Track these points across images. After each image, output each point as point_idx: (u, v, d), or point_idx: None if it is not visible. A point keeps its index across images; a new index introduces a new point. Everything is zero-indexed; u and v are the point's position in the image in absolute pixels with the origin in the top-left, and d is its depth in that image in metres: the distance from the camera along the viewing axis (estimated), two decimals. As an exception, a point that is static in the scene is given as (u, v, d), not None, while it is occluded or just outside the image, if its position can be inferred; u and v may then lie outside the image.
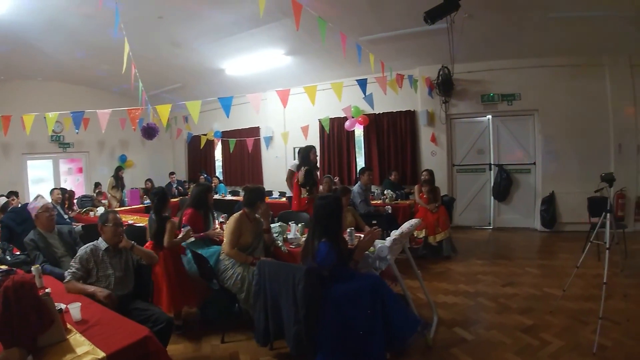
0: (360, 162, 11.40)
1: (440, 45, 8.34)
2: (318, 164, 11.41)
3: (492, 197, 10.23)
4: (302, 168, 6.78)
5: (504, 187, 9.96)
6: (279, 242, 5.01)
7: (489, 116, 10.19)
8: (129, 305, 3.56)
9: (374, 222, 7.19)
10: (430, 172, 7.94)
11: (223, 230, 5.14)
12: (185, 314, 5.05)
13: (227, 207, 8.77)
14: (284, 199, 9.83)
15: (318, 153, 11.41)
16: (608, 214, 4.45)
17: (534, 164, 9.97)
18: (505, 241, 9.05)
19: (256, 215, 4.85)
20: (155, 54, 9.20)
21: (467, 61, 9.60)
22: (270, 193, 10.51)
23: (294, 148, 11.44)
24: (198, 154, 14.51)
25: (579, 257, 4.87)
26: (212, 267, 4.56)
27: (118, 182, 11.58)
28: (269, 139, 12.09)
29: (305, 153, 6.93)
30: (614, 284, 5.49)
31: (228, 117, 6.61)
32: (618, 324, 4.55)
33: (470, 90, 10.04)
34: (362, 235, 4.44)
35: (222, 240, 4.74)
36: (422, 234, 7.38)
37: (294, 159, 9.08)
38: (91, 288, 3.38)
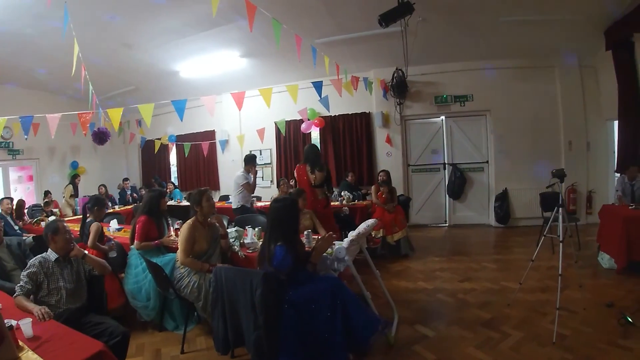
0: None
1: (394, 48, 8.44)
2: (274, 167, 11.49)
3: (447, 196, 10.45)
4: (317, 168, 6.51)
5: (459, 186, 10.20)
6: (235, 247, 4.91)
7: (443, 117, 10.44)
8: (82, 318, 3.44)
9: (333, 223, 7.29)
10: (387, 173, 8.06)
11: (178, 237, 4.99)
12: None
13: (183, 213, 8.50)
14: None
15: (274, 156, 11.41)
16: (560, 209, 4.58)
17: (487, 162, 10.29)
18: (461, 238, 9.24)
19: (209, 220, 4.75)
20: (106, 56, 8.92)
21: (421, 63, 9.80)
22: (227, 198, 10.35)
23: (250, 151, 11.35)
24: (152, 159, 14.10)
25: (533, 250, 5.01)
26: (167, 276, 4.43)
27: (75, 190, 11.23)
28: (224, 143, 11.97)
29: (317, 152, 6.85)
30: (569, 275, 5.69)
31: (182, 120, 6.46)
32: (575, 313, 4.72)
33: (424, 92, 10.25)
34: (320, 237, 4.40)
35: (177, 248, 4.61)
36: (380, 234, 7.43)
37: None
38: (31, 306, 3.18)
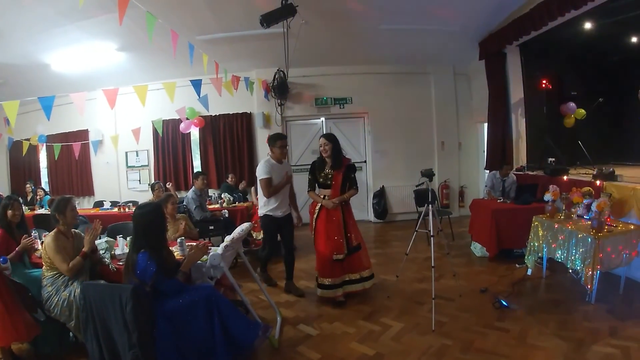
0: (198, 166, 11.11)
1: (277, 48, 8.44)
2: (152, 170, 10.91)
3: (327, 194, 10.60)
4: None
5: (338, 184, 10.40)
6: (106, 259, 4.49)
7: (323, 118, 10.75)
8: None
9: (211, 227, 7.10)
10: None
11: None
12: (17, 351, 4.30)
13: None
14: (115, 209, 8.84)
15: (152, 157, 10.89)
16: (430, 205, 4.86)
17: (365, 162, 10.80)
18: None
19: (73, 230, 4.38)
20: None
21: (303, 65, 9.94)
22: (100, 204, 9.71)
23: (126, 153, 10.86)
24: (21, 161, 12.44)
25: (410, 244, 5.27)
26: (34, 296, 4.03)
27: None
28: (97, 143, 11.22)
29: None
30: (444, 264, 6.09)
31: (49, 119, 5.85)
32: (452, 301, 5.11)
33: (305, 94, 10.45)
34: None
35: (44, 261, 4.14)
36: (262, 236, 7.30)
37: (127, 165, 8.60)
38: None
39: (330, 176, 5.27)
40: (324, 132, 9.99)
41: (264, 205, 5.70)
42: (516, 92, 9.09)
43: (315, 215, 5.36)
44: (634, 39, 8.22)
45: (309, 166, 5.52)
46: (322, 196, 5.31)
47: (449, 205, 10.72)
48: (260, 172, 5.56)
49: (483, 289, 5.38)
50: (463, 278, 5.96)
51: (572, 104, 9.04)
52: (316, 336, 4.44)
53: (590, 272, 4.70)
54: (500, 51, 9.09)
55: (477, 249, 7.18)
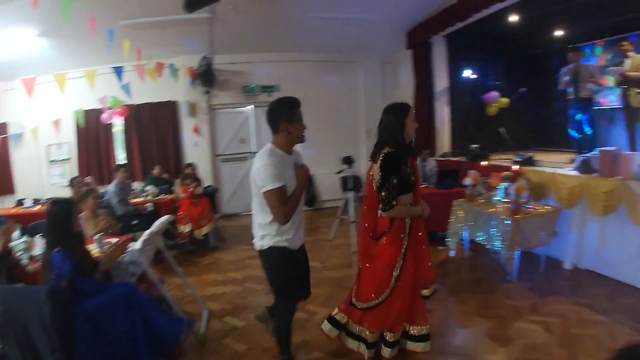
0: (123, 158, 10.50)
1: (204, 34, 8.30)
2: (75, 163, 10.19)
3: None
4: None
5: (266, 173, 10.32)
6: (24, 260, 4.23)
7: (251, 106, 10.57)
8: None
9: (134, 222, 6.83)
10: (192, 166, 8.09)
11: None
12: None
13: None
14: (37, 207, 8.13)
15: (74, 150, 10.30)
16: (350, 192, 4.91)
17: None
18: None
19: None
20: None
21: (230, 52, 9.73)
22: (20, 202, 9.01)
23: (48, 146, 10.31)
24: None
25: (336, 231, 5.30)
26: None
27: None
28: (17, 137, 10.47)
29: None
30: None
31: None
32: None
33: (232, 81, 10.22)
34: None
35: None
36: (188, 228, 7.22)
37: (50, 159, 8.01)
38: None
39: (412, 169, 3.46)
40: (252, 121, 9.91)
41: (275, 233, 3.23)
42: (441, 81, 9.42)
43: (404, 246, 3.38)
44: (556, 32, 8.74)
45: (383, 162, 3.26)
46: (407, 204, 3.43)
47: (376, 192, 10.86)
48: (267, 177, 3.02)
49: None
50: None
51: (495, 93, 9.40)
52: (243, 327, 4.43)
53: (509, 253, 4.96)
54: (427, 41, 9.36)
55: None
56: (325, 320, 3.70)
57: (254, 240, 3.32)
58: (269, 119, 3.23)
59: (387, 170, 3.21)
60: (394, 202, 3.20)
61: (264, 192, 3.04)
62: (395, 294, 3.33)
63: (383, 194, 3.20)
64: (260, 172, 3.04)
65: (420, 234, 3.48)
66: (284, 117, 3.17)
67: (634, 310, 4.33)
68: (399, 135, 3.33)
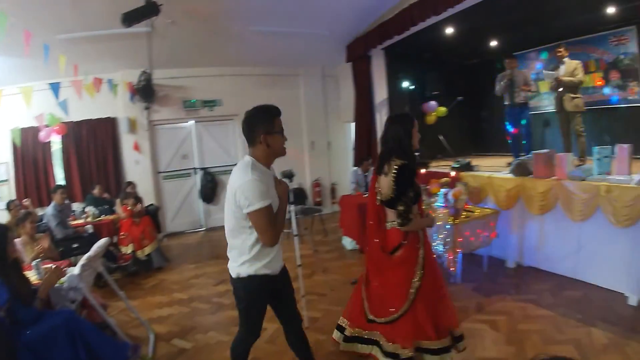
0: (61, 178, 9.95)
1: (143, 49, 8.15)
2: (12, 185, 9.65)
3: (200, 200, 10.44)
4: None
5: (211, 189, 10.29)
6: None
7: (192, 121, 10.37)
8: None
9: (75, 245, 6.60)
10: (134, 185, 7.94)
11: None
12: None
13: None
14: None
15: (11, 171, 9.78)
16: (291, 206, 4.92)
17: (236, 164, 10.46)
18: (217, 240, 9.29)
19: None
20: None
21: (170, 67, 9.60)
22: None
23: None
24: None
25: (285, 244, 5.26)
26: None
27: None
28: None
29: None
30: (316, 261, 6.33)
31: None
32: (324, 296, 5.31)
33: (172, 96, 10.01)
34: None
35: None
36: (130, 249, 7.01)
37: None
38: None
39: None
40: (194, 136, 9.80)
41: (255, 259, 2.88)
42: (380, 92, 9.54)
43: (421, 256, 3.33)
44: (490, 43, 9.07)
45: (398, 175, 3.18)
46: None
47: (321, 203, 11.02)
48: (255, 195, 2.72)
49: (354, 281, 5.48)
50: (335, 272, 6.21)
51: (433, 103, 9.71)
52: (191, 349, 4.34)
53: (452, 256, 5.15)
54: (366, 54, 9.50)
55: (348, 242, 7.51)
56: (342, 342, 3.63)
57: (229, 265, 2.97)
58: (245, 130, 2.94)
59: (403, 183, 3.16)
60: (412, 216, 3.19)
61: (251, 212, 2.70)
62: (417, 304, 3.23)
63: (401, 208, 3.16)
64: (246, 188, 2.71)
65: (428, 241, 3.46)
66: (262, 128, 2.90)
67: (577, 302, 4.55)
68: (407, 145, 3.29)
